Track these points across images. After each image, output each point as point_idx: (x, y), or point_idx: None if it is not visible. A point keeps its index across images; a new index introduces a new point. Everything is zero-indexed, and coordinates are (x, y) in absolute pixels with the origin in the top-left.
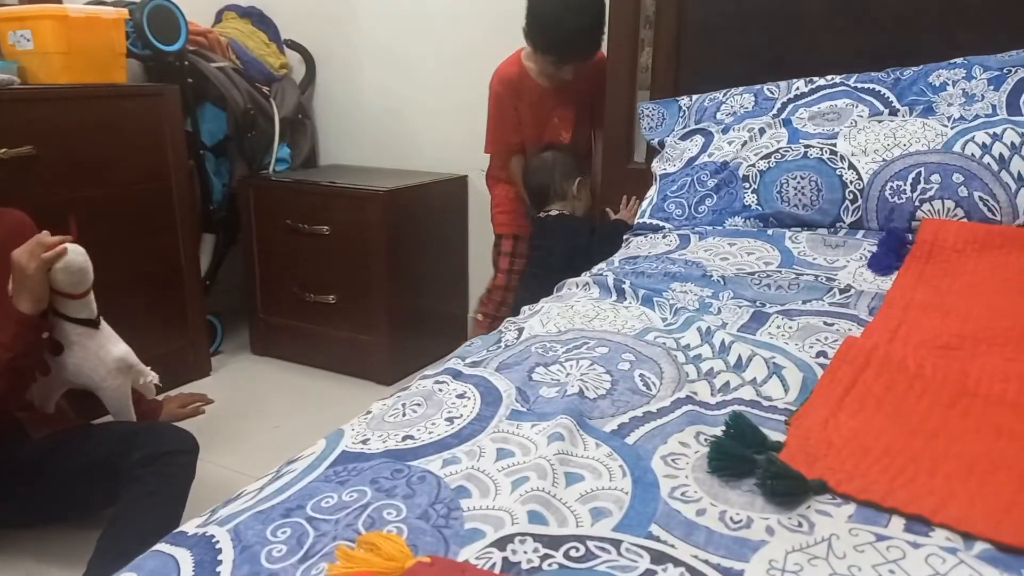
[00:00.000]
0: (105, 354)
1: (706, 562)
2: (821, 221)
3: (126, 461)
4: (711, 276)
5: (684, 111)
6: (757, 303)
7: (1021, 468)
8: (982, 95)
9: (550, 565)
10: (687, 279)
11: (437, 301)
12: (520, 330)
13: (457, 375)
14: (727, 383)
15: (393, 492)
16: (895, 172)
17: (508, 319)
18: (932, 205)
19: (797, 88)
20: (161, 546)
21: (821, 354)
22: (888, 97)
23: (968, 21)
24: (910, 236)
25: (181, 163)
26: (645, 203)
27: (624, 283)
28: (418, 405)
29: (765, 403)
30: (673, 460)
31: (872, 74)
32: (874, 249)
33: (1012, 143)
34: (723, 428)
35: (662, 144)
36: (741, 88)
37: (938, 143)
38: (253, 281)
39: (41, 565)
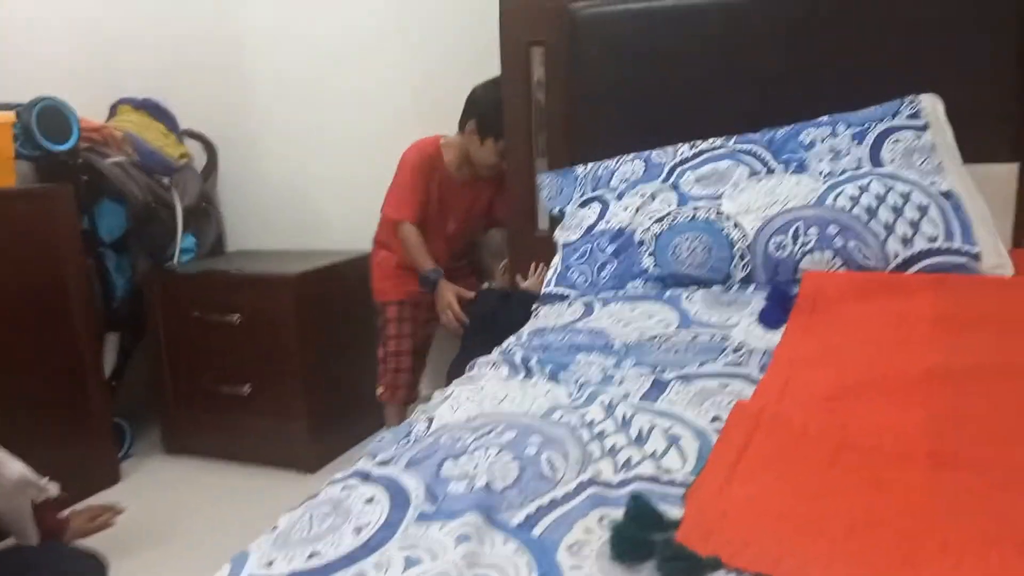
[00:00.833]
0: (3, 475)
1: None
2: (714, 279)
3: None
4: (613, 345)
5: (581, 179)
6: (657, 369)
7: (899, 522)
8: (848, 150)
9: None
10: (591, 349)
11: (356, 381)
12: (430, 420)
13: (366, 477)
14: (629, 459)
15: None
16: (777, 228)
17: (419, 407)
18: (813, 256)
19: (682, 153)
20: None
21: (716, 419)
22: (765, 157)
23: (831, 81)
24: (795, 289)
25: (77, 262)
26: (550, 272)
27: (531, 359)
28: (326, 515)
29: (664, 477)
30: (578, 549)
31: (749, 135)
32: (764, 304)
33: (878, 194)
34: (623, 511)
35: (562, 213)
36: (631, 155)
37: (812, 198)
38: (163, 377)
39: None
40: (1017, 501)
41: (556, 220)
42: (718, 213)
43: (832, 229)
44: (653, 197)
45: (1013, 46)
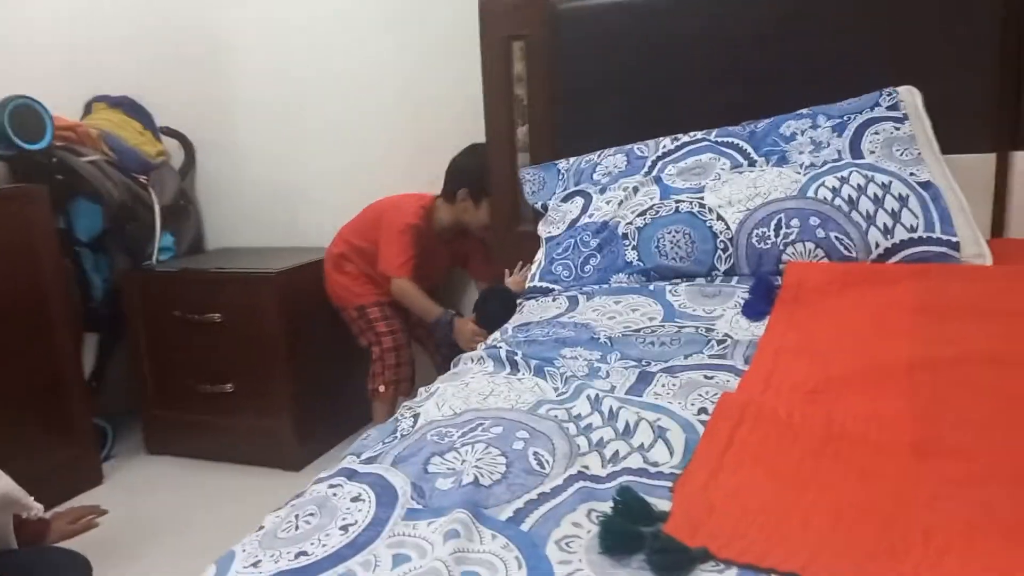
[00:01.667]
0: None
1: None
2: (698, 271)
3: None
4: (599, 339)
5: (563, 174)
6: (643, 362)
7: (884, 512)
8: (828, 142)
9: None
10: (576, 343)
11: (340, 378)
12: (416, 416)
13: (352, 475)
14: (616, 452)
15: None
16: (759, 220)
17: (405, 404)
18: (795, 248)
19: (664, 146)
20: None
21: (702, 411)
22: (746, 149)
23: (811, 74)
24: (778, 280)
25: (54, 263)
26: (534, 267)
27: (517, 354)
28: (311, 515)
29: (652, 469)
30: (567, 544)
31: (730, 128)
32: (747, 296)
33: (858, 184)
34: (612, 504)
35: (545, 207)
36: (613, 149)
37: (794, 190)
38: (143, 377)
39: None
40: (1000, 489)
41: (539, 214)
42: (701, 206)
43: (814, 220)
44: (636, 190)
45: (990, 38)
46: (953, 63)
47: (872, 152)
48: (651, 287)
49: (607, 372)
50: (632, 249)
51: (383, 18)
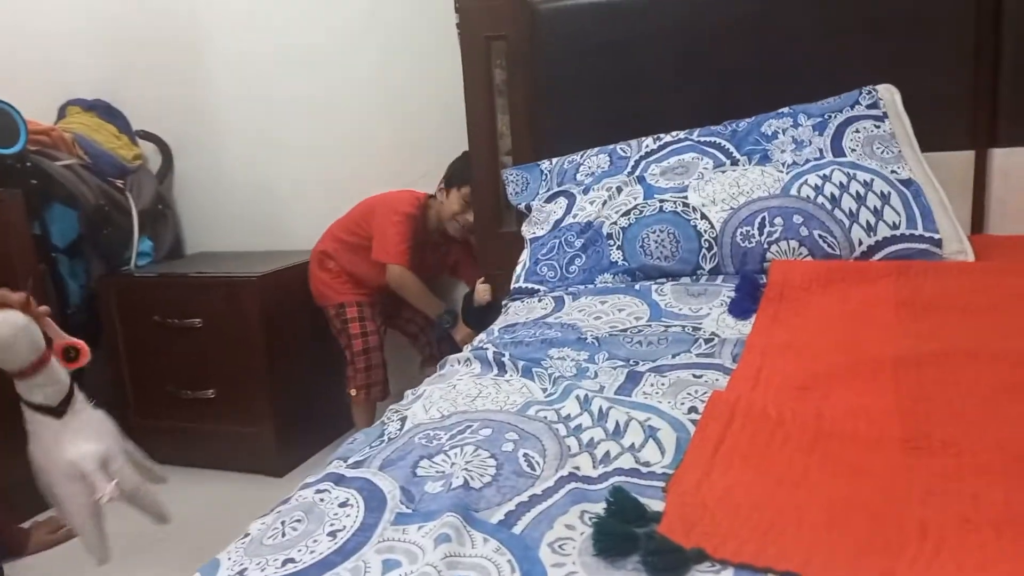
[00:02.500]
0: (57, 454)
1: None
2: (683, 270)
3: None
4: (586, 339)
5: (546, 174)
6: (631, 361)
7: (877, 508)
8: (809, 140)
9: None
10: (564, 344)
11: (323, 383)
12: (403, 419)
13: (339, 480)
14: (607, 453)
15: None
16: (743, 219)
17: (391, 407)
18: (779, 246)
19: (647, 146)
20: None
21: (692, 410)
22: (728, 148)
23: (791, 72)
24: (763, 278)
25: (30, 269)
26: (519, 268)
27: (504, 355)
28: (298, 521)
29: (644, 470)
30: (560, 546)
31: (712, 128)
32: (733, 294)
33: (840, 183)
34: (604, 505)
35: (529, 208)
36: (596, 149)
37: (776, 188)
38: (123, 384)
39: None
40: (991, 483)
41: (522, 217)
42: (684, 205)
43: (797, 219)
44: (619, 190)
45: (968, 36)
46: (931, 61)
47: (853, 150)
48: (637, 287)
49: (595, 372)
50: (617, 249)
51: (362, 24)
